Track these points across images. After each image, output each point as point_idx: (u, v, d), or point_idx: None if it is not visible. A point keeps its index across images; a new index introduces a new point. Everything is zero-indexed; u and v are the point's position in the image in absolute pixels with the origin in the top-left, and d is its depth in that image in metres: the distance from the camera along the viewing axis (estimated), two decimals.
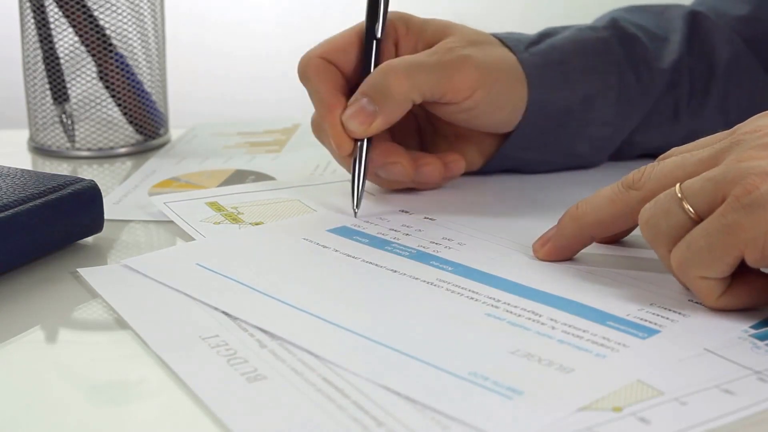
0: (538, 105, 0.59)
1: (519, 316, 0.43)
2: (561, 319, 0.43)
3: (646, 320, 0.43)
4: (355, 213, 0.55)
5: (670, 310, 0.44)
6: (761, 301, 0.43)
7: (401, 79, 0.55)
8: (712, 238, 0.41)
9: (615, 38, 0.62)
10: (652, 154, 0.53)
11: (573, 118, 0.61)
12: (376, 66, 0.57)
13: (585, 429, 0.35)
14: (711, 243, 0.41)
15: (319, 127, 0.59)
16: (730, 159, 0.43)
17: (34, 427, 0.37)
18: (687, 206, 0.43)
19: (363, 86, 0.56)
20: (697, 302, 0.44)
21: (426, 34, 0.58)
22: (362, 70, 0.57)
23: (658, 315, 0.43)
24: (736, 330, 0.42)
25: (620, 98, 0.62)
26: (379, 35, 0.57)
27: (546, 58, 0.60)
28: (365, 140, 0.56)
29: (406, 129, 0.61)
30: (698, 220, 0.42)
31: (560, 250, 0.49)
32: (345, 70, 0.58)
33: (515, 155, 0.62)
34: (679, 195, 0.43)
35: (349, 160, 0.56)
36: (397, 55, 0.58)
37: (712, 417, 0.36)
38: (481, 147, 0.61)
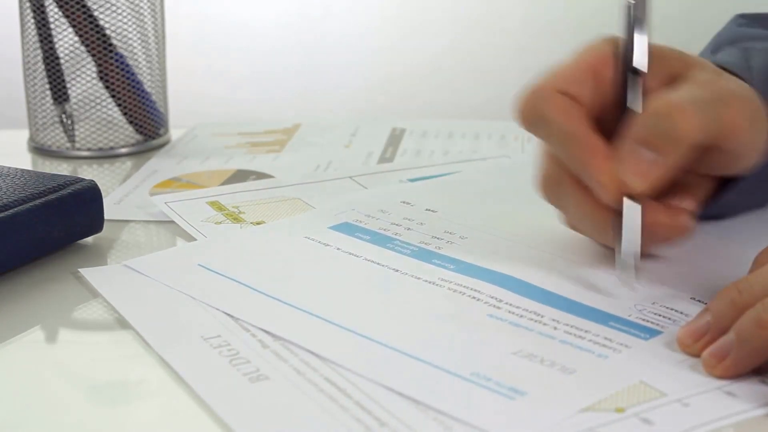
0: None
1: (521, 317, 0.43)
2: (563, 320, 0.42)
3: (648, 320, 0.42)
4: (632, 285, 0.45)
5: (672, 309, 0.44)
6: None
7: (690, 118, 0.44)
8: None
9: None
10: None
11: None
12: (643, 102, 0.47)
13: (587, 430, 0.35)
14: None
15: (557, 181, 0.48)
16: None
17: (34, 427, 0.37)
18: None
19: (638, 131, 0.45)
20: (699, 300, 0.44)
21: (666, 63, 0.49)
22: (620, 107, 0.47)
23: (659, 315, 0.43)
24: None
25: None
26: (645, 68, 0.47)
27: (765, 85, 0.50)
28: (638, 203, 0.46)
29: None
30: None
31: (744, 367, 0.38)
32: (586, 106, 0.47)
33: (739, 200, 0.53)
34: None
35: (604, 218, 0.46)
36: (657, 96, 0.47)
37: (714, 418, 0.36)
38: (698, 194, 0.50)
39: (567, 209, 0.49)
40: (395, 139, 0.75)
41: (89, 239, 0.54)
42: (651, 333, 0.41)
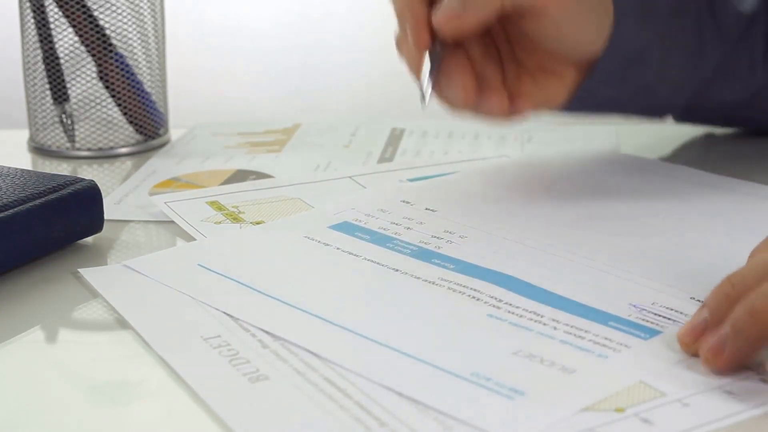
0: (622, 34, 0.59)
1: (521, 316, 0.43)
2: (563, 320, 0.42)
3: (647, 320, 0.42)
4: (424, 105, 0.55)
5: (671, 309, 0.43)
6: None
7: None
8: None
9: None
10: (728, 115, 0.53)
11: (653, 57, 0.61)
12: None
13: (587, 430, 0.35)
14: None
15: (399, 38, 0.58)
16: None
17: (34, 427, 0.37)
18: None
19: None
20: (698, 300, 0.44)
21: None
22: None
23: (659, 315, 0.43)
24: None
25: (699, 39, 0.62)
26: None
27: None
28: (440, 44, 0.55)
29: (487, 58, 0.60)
30: None
31: (741, 357, 0.39)
32: None
33: (598, 90, 0.61)
34: None
35: (420, 63, 0.56)
36: None
37: (714, 418, 0.36)
38: (565, 81, 0.60)
39: (402, 55, 0.57)
40: (395, 139, 0.75)
41: (89, 239, 0.54)
42: (651, 333, 0.41)
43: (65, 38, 0.71)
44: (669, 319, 0.43)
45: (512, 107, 0.58)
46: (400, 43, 0.58)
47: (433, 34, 0.55)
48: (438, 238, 0.52)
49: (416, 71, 0.57)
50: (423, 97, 0.55)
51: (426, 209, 0.56)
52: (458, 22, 0.55)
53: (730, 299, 0.39)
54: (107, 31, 0.71)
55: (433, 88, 0.55)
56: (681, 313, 0.43)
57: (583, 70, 0.60)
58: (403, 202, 0.57)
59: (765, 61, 0.64)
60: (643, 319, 0.43)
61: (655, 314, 0.43)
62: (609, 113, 0.63)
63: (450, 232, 0.52)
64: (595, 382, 0.38)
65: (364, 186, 0.62)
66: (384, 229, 0.53)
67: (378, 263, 0.49)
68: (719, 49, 0.63)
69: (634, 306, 0.44)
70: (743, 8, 0.63)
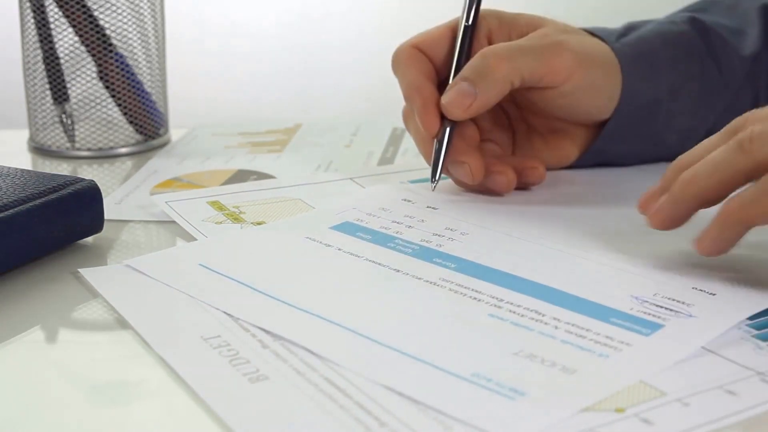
0: (630, 93, 0.60)
1: (522, 316, 0.43)
2: (564, 318, 0.42)
3: (649, 313, 0.42)
4: (433, 187, 0.57)
5: (673, 299, 0.43)
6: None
7: (501, 61, 0.56)
8: None
9: (695, 31, 0.63)
10: None
11: (661, 109, 0.62)
12: (468, 54, 0.58)
13: (588, 430, 0.35)
14: None
15: (407, 114, 0.60)
16: None
17: (34, 427, 0.37)
18: None
19: (463, 71, 0.57)
20: (700, 290, 0.44)
21: (518, 26, 0.60)
22: (456, 58, 0.59)
23: (661, 306, 0.43)
24: (739, 320, 0.42)
25: (703, 88, 0.63)
26: (468, 22, 0.59)
27: (636, 48, 0.61)
28: (450, 126, 0.57)
29: (498, 126, 0.62)
30: None
31: (676, 220, 0.47)
32: (436, 62, 0.59)
33: (609, 148, 0.62)
34: None
35: (429, 145, 0.57)
36: None
37: (715, 418, 0.36)
38: (576, 140, 0.62)
39: (412, 137, 0.60)
40: (396, 139, 0.75)
41: (89, 239, 0.54)
42: (652, 327, 0.41)
43: (65, 38, 0.71)
44: (671, 310, 0.43)
45: (520, 180, 0.59)
46: (407, 119, 0.60)
47: (442, 114, 0.57)
48: (439, 235, 0.52)
49: (425, 154, 0.59)
50: (432, 180, 0.57)
51: (427, 207, 0.56)
52: (469, 106, 0.56)
53: (676, 171, 0.47)
54: (107, 31, 0.71)
55: (443, 162, 0.57)
56: (683, 303, 0.43)
57: (593, 129, 0.62)
58: (405, 200, 0.57)
59: None
60: (645, 312, 0.42)
61: (657, 305, 0.43)
62: (619, 164, 0.64)
63: (451, 230, 0.52)
64: (596, 382, 0.38)
65: (365, 188, 0.62)
66: (385, 228, 0.53)
67: (379, 264, 0.49)
68: (725, 92, 0.64)
69: (636, 298, 0.44)
70: (744, 51, 0.64)
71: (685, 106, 0.62)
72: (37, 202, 0.50)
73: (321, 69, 1.30)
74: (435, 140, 0.57)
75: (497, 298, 0.45)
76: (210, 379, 0.38)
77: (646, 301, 0.43)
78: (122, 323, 0.44)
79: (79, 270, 0.49)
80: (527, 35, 0.59)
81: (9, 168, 0.55)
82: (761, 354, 0.40)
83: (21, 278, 0.49)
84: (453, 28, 0.60)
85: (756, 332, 0.42)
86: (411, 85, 0.58)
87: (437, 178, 0.57)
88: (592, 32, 0.62)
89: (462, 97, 0.56)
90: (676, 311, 0.43)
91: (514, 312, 0.43)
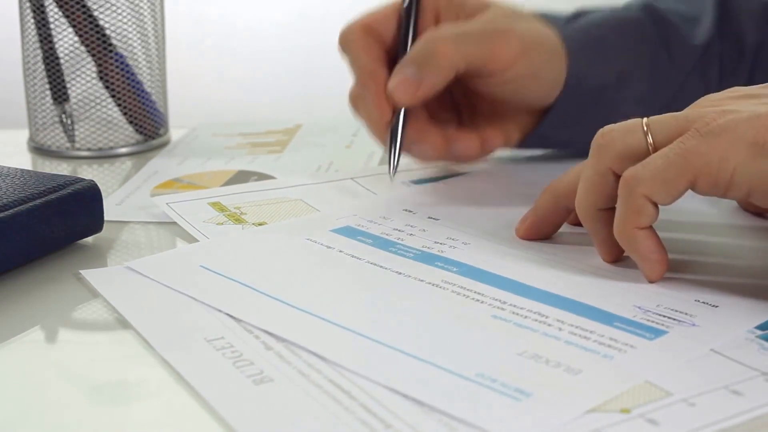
0: (576, 80, 0.60)
1: (525, 317, 0.43)
2: (568, 320, 0.42)
3: (652, 321, 0.42)
4: (391, 177, 0.57)
5: (676, 310, 0.43)
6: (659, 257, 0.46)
7: (448, 46, 0.55)
8: (670, 160, 0.43)
9: (648, 18, 0.63)
10: None
11: (608, 96, 0.61)
12: (414, 34, 0.58)
13: (594, 431, 0.35)
14: (668, 164, 0.43)
15: (357, 98, 0.59)
16: (695, 106, 0.46)
17: (34, 427, 0.37)
18: (649, 137, 0.45)
19: (408, 55, 0.56)
20: (703, 302, 0.44)
21: (466, 8, 0.59)
22: (401, 39, 0.58)
23: (664, 316, 0.43)
24: (743, 330, 0.42)
25: (652, 76, 0.62)
26: (406, 1, 0.58)
27: (585, 33, 0.60)
28: (403, 109, 0.57)
29: (443, 107, 0.61)
30: (654, 151, 0.44)
31: (539, 226, 0.51)
32: (385, 41, 0.59)
33: (552, 133, 0.62)
34: (645, 126, 0.45)
35: (384, 132, 0.57)
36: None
37: (720, 418, 0.35)
38: (520, 124, 0.62)
39: (362, 122, 0.59)
40: None
41: (89, 239, 0.54)
42: (656, 333, 0.41)
43: (65, 38, 0.70)
44: (674, 319, 0.42)
45: (482, 147, 0.60)
46: (357, 102, 0.59)
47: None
48: (441, 243, 0.51)
49: (378, 137, 0.58)
50: (391, 168, 0.57)
51: (429, 218, 0.55)
52: (414, 92, 0.56)
53: (546, 191, 0.51)
54: (107, 31, 0.71)
55: (401, 151, 0.57)
56: (686, 314, 0.43)
57: (538, 113, 0.62)
58: (406, 210, 0.57)
59: (719, 87, 0.64)
60: (648, 320, 0.42)
61: (660, 315, 0.43)
62: (563, 150, 0.64)
63: (453, 239, 0.52)
64: (601, 383, 0.37)
65: (365, 187, 0.62)
66: (386, 234, 0.53)
67: (380, 266, 0.48)
68: (674, 80, 0.64)
69: (639, 308, 0.43)
70: (696, 40, 0.64)
71: (633, 93, 0.62)
72: (37, 202, 0.50)
73: (321, 69, 1.30)
74: (388, 126, 0.57)
75: (500, 300, 0.44)
76: (214, 381, 0.38)
77: (649, 311, 0.43)
78: (122, 323, 0.44)
79: (81, 272, 0.49)
80: (475, 17, 0.58)
81: (9, 168, 0.54)
82: (766, 354, 0.40)
83: (21, 278, 0.49)
84: (398, 6, 0.59)
85: (761, 333, 0.42)
86: (363, 69, 0.57)
87: (396, 165, 0.57)
88: (542, 16, 0.61)
89: (407, 83, 0.55)
90: (680, 321, 0.42)
91: (518, 313, 0.43)
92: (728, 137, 0.42)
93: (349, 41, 0.58)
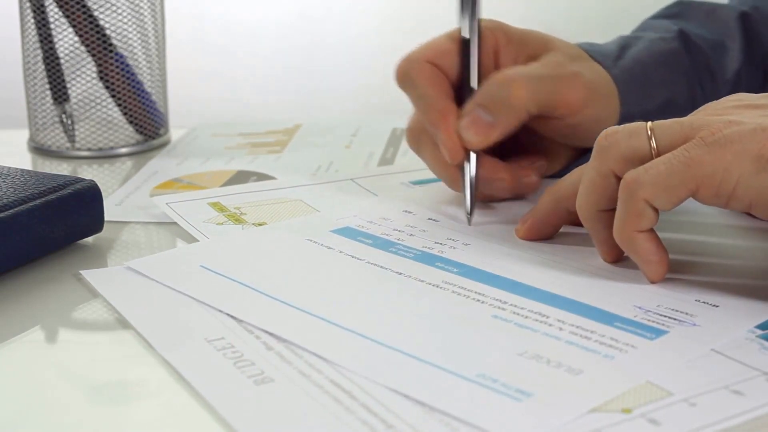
0: (626, 120, 0.58)
1: (526, 317, 0.43)
2: (568, 321, 0.42)
3: (653, 321, 0.42)
4: (469, 221, 0.54)
5: (676, 310, 0.43)
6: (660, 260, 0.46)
7: (521, 89, 0.54)
8: (673, 167, 0.43)
9: (684, 48, 0.63)
10: None
11: None
12: (479, 72, 0.56)
13: (595, 430, 0.35)
14: (671, 171, 0.43)
15: (419, 135, 0.57)
16: (699, 113, 0.46)
17: (34, 427, 0.36)
18: (652, 141, 0.45)
19: (479, 96, 0.55)
20: (703, 302, 0.44)
21: (527, 47, 0.58)
22: (464, 76, 0.56)
23: (665, 316, 0.43)
24: (743, 330, 0.42)
25: (689, 107, 0.61)
26: (469, 35, 0.56)
27: (632, 73, 0.60)
28: (476, 154, 0.55)
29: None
30: (657, 156, 0.44)
31: (539, 226, 0.51)
32: (450, 76, 0.56)
33: None
34: (649, 131, 0.45)
35: (453, 173, 0.56)
36: (497, 65, 0.57)
37: (722, 418, 0.35)
38: (560, 159, 0.60)
39: (425, 160, 0.58)
40: (396, 139, 0.75)
41: (89, 239, 0.54)
42: (657, 333, 0.41)
43: (65, 38, 0.70)
44: (675, 319, 0.42)
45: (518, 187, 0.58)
46: (420, 141, 0.57)
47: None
48: (441, 244, 0.51)
49: (447, 179, 0.57)
50: (469, 214, 0.54)
51: (429, 219, 0.55)
52: (488, 134, 0.54)
53: (547, 193, 0.51)
54: (107, 31, 0.71)
55: (475, 195, 0.55)
56: (687, 314, 0.43)
57: (577, 150, 0.61)
58: (406, 212, 0.57)
59: None
60: (649, 320, 0.42)
61: (661, 315, 0.43)
62: None
63: (453, 240, 0.52)
64: (602, 383, 0.37)
65: (365, 188, 0.62)
66: (386, 234, 0.53)
67: (381, 266, 0.48)
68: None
69: (640, 308, 0.43)
70: (727, 72, 0.64)
71: None
72: (37, 202, 0.50)
73: (321, 69, 1.30)
74: (461, 168, 0.55)
75: (500, 300, 0.44)
76: (215, 381, 0.38)
77: (650, 311, 0.43)
78: (122, 323, 0.44)
79: (81, 272, 0.49)
80: (538, 58, 0.57)
81: (9, 168, 0.54)
82: (767, 354, 0.40)
83: (21, 278, 0.49)
84: (457, 39, 0.57)
85: (761, 332, 0.42)
86: (432, 107, 0.55)
87: (473, 209, 0.54)
88: (590, 54, 0.60)
89: (480, 125, 0.54)
90: (680, 320, 0.42)
91: (518, 313, 0.43)
92: (733, 149, 0.42)
93: (413, 76, 0.56)
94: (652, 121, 0.61)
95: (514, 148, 0.60)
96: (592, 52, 0.60)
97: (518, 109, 0.54)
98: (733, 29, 0.65)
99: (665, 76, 0.61)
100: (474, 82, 0.56)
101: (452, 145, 0.54)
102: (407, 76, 0.56)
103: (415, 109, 0.57)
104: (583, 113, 0.56)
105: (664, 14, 0.68)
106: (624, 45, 0.62)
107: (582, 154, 0.61)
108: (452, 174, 0.56)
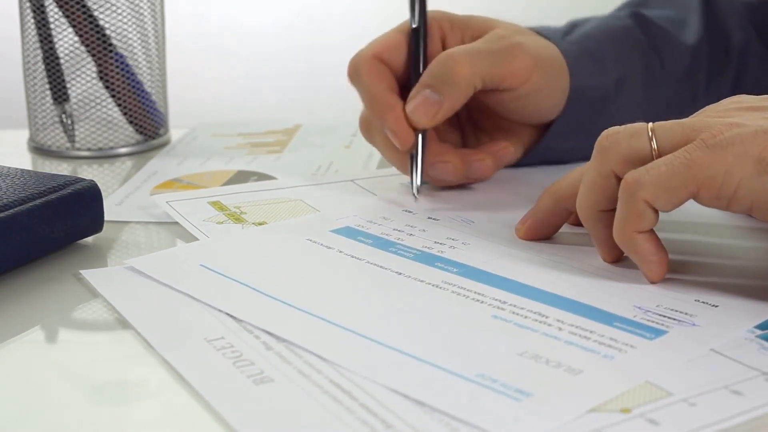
0: (579, 92, 0.60)
1: (525, 317, 0.43)
2: (568, 321, 0.42)
3: (652, 321, 0.42)
4: (416, 198, 0.57)
5: (676, 310, 0.43)
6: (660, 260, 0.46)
7: (464, 65, 0.55)
8: (674, 169, 0.43)
9: (637, 25, 0.64)
10: None
11: (607, 104, 0.62)
12: (425, 58, 0.58)
13: (594, 430, 0.35)
14: (672, 172, 0.43)
15: (369, 126, 0.59)
16: (699, 115, 0.46)
17: (34, 427, 0.36)
18: (653, 142, 0.45)
19: (424, 77, 0.56)
20: (703, 302, 0.44)
21: (470, 29, 0.60)
22: (412, 63, 0.58)
23: (664, 316, 0.43)
24: (742, 330, 0.42)
25: (647, 81, 0.63)
26: (416, 24, 0.58)
27: (581, 46, 0.61)
28: (422, 133, 0.57)
29: (448, 127, 0.61)
30: (658, 157, 0.45)
31: (539, 226, 0.51)
32: (396, 69, 0.59)
33: (557, 145, 0.62)
34: (650, 131, 0.45)
35: (404, 158, 0.58)
36: (444, 50, 0.58)
37: (721, 418, 0.35)
38: (522, 139, 0.62)
39: (378, 148, 0.60)
40: None
41: (89, 239, 0.54)
42: (656, 333, 0.41)
43: (65, 38, 0.70)
44: (674, 319, 0.42)
45: (495, 164, 0.60)
46: (370, 131, 0.59)
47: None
48: (441, 243, 0.51)
49: (398, 164, 0.59)
50: (414, 192, 0.57)
51: (429, 218, 0.55)
52: (435, 114, 0.56)
53: (546, 193, 0.51)
54: (107, 31, 0.71)
55: (422, 172, 0.57)
56: (686, 313, 0.43)
57: (539, 128, 0.62)
58: (406, 211, 0.57)
59: (707, 95, 0.65)
60: (648, 320, 0.42)
61: (660, 315, 0.43)
62: (566, 161, 0.64)
63: (453, 239, 0.52)
64: (602, 383, 0.37)
65: (366, 189, 0.62)
66: (386, 234, 0.53)
67: (380, 266, 0.48)
68: (667, 85, 0.64)
69: (639, 308, 0.43)
70: (686, 41, 0.64)
71: (630, 99, 0.63)
72: (37, 202, 0.50)
73: (321, 69, 1.30)
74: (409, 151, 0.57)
75: (500, 300, 0.44)
76: (214, 381, 0.38)
77: (649, 311, 0.43)
78: (122, 323, 0.44)
79: (81, 271, 0.49)
80: (481, 37, 0.59)
81: (9, 168, 0.54)
82: (766, 354, 0.40)
83: (21, 278, 0.49)
84: (406, 32, 0.59)
85: (761, 332, 0.42)
86: (377, 99, 0.57)
87: (419, 185, 0.57)
88: (538, 32, 0.61)
89: (427, 105, 0.55)
90: (680, 321, 0.42)
91: (518, 313, 0.43)
92: (735, 151, 0.42)
93: (359, 71, 0.58)
94: (614, 100, 0.62)
95: (476, 136, 0.62)
96: (539, 29, 0.62)
97: (463, 85, 0.55)
98: (694, 7, 0.66)
99: (618, 52, 0.62)
100: (422, 69, 0.58)
101: (401, 131, 0.56)
102: (355, 72, 0.58)
103: (362, 102, 0.59)
104: (530, 82, 0.57)
105: (626, 4, 0.69)
106: (574, 24, 0.64)
107: (542, 133, 0.62)
108: (403, 159, 0.58)
